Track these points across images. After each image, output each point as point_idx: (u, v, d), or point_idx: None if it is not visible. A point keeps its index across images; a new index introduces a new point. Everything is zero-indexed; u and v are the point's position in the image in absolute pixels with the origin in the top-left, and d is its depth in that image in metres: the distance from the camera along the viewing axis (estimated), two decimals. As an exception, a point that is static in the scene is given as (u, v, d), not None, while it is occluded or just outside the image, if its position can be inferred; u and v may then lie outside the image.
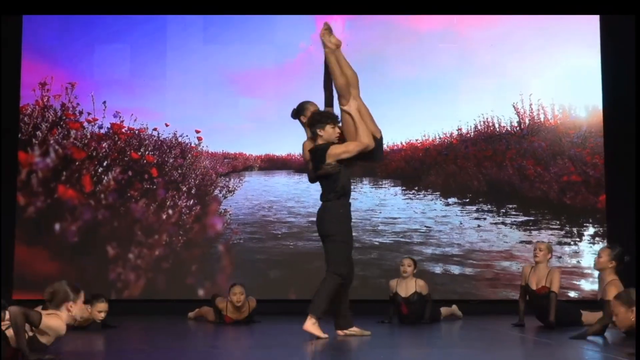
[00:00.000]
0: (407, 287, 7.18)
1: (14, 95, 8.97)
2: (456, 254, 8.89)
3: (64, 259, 8.10)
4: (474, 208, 9.13)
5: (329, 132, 6.03)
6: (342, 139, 6.08)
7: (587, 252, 8.89)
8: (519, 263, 8.74)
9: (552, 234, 8.95)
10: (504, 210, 9.10)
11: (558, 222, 9.02)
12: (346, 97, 6.08)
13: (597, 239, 8.91)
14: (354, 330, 5.99)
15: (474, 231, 8.97)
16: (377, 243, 8.90)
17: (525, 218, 9.05)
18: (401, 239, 8.95)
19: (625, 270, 6.45)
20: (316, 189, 6.23)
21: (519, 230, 8.99)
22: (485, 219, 9.07)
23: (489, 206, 9.13)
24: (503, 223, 9.04)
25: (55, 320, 4.37)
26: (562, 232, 8.98)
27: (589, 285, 8.68)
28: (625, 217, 8.86)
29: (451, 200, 9.17)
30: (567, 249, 8.92)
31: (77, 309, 4.52)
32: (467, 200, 9.16)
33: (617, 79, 9.00)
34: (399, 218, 9.08)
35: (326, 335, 5.71)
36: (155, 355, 5.02)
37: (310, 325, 5.71)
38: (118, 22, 9.24)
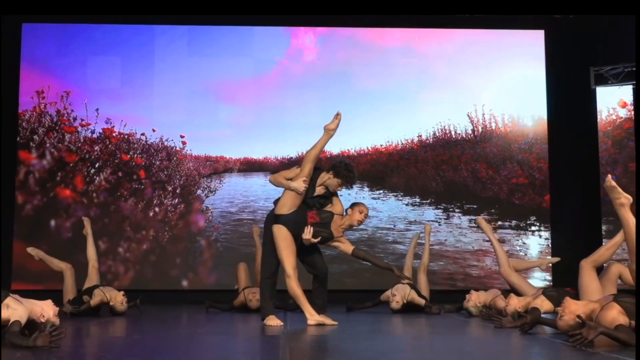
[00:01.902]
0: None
1: (13, 101, 8.98)
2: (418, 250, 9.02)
3: (59, 253, 8.08)
4: (433, 207, 9.27)
5: (332, 180, 6.02)
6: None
7: (534, 246, 9.08)
8: (475, 258, 8.92)
9: (502, 231, 9.12)
10: (459, 210, 9.25)
11: (508, 220, 9.19)
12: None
13: (542, 234, 9.10)
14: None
15: (433, 229, 9.09)
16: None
17: (478, 216, 9.17)
18: (376, 236, 9.09)
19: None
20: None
21: (473, 228, 9.14)
22: (442, 217, 9.22)
23: (446, 205, 9.28)
24: (459, 220, 9.19)
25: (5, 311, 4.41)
26: (511, 229, 9.15)
27: (536, 275, 8.85)
28: (568, 214, 9.08)
29: (411, 200, 9.31)
30: (515, 243, 9.09)
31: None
32: (427, 200, 9.30)
33: (560, 92, 9.20)
34: (371, 217, 9.19)
35: (280, 323, 5.85)
36: (142, 341, 5.08)
37: (266, 321, 5.92)
38: (109, 36, 9.26)
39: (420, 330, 6.02)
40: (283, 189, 6.02)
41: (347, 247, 6.13)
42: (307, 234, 5.88)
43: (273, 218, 6.02)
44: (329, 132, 5.92)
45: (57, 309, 4.67)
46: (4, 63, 8.86)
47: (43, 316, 4.50)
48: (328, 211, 6.09)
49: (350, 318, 6.73)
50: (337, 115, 5.92)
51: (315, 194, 6.06)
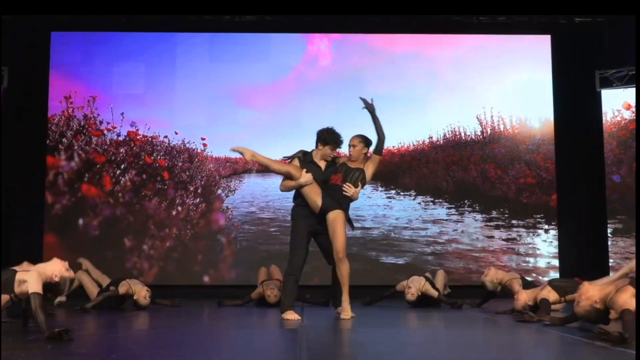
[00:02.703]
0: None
1: (43, 106, 9.07)
2: (436, 248, 9.03)
3: (87, 250, 8.16)
4: (444, 206, 9.26)
5: (325, 150, 6.18)
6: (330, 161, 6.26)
7: (541, 243, 9.04)
8: (486, 254, 8.91)
9: (510, 229, 9.09)
10: (469, 209, 9.23)
11: (516, 218, 9.15)
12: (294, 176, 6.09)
13: (549, 232, 9.06)
14: (340, 310, 6.12)
15: (444, 227, 9.11)
16: (369, 236, 9.02)
17: (487, 215, 9.17)
18: (392, 236, 9.09)
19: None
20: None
21: (483, 226, 9.12)
22: (453, 215, 9.20)
23: (457, 204, 9.25)
24: (469, 219, 9.17)
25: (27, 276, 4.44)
26: (519, 227, 9.12)
27: (541, 266, 8.82)
28: (574, 213, 9.03)
29: (423, 199, 9.29)
30: (523, 242, 9.06)
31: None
32: (438, 199, 9.29)
33: (566, 95, 9.16)
34: (387, 216, 9.21)
35: (298, 317, 5.85)
36: (165, 334, 5.12)
37: (284, 315, 5.93)
38: (134, 43, 9.32)
39: (436, 325, 6.02)
40: (295, 191, 6.15)
41: (373, 159, 6.14)
42: (349, 188, 6.00)
43: (319, 211, 6.02)
44: (253, 158, 6.19)
45: (66, 262, 4.68)
46: (35, 69, 8.97)
47: (56, 275, 4.52)
48: (340, 164, 6.19)
49: (366, 312, 6.74)
50: (235, 150, 6.25)
51: (323, 169, 6.17)
